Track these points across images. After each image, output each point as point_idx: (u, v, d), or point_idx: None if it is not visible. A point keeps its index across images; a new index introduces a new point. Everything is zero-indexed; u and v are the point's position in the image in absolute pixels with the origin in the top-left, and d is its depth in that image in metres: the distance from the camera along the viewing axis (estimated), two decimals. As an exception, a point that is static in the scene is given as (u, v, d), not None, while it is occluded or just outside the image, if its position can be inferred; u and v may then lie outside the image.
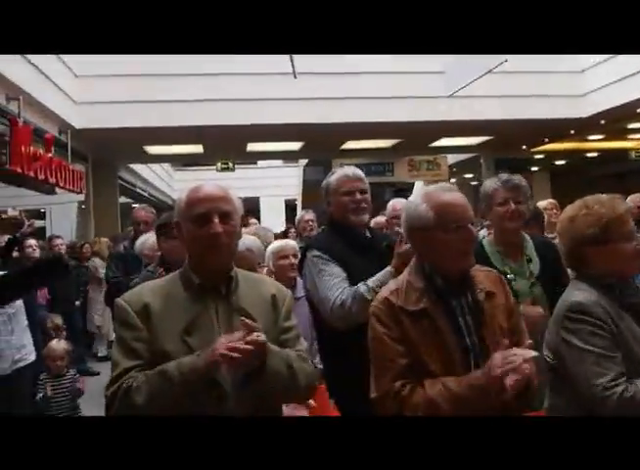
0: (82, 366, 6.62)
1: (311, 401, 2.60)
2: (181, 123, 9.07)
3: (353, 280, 2.57)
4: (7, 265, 5.22)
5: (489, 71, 5.02)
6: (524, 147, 13.51)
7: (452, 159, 14.46)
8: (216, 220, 1.70)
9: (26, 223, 7.28)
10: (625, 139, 13.14)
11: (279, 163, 20.48)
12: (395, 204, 4.05)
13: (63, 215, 10.77)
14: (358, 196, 2.75)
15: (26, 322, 4.00)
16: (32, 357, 3.95)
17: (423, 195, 1.84)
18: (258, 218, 17.23)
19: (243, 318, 1.59)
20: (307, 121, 9.35)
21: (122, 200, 13.17)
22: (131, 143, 10.41)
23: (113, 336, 3.89)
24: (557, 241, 4.21)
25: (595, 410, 1.73)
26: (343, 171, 2.86)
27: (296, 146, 12.03)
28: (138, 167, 14.65)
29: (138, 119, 8.92)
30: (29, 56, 6.81)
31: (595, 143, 13.71)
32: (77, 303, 7.48)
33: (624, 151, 13.80)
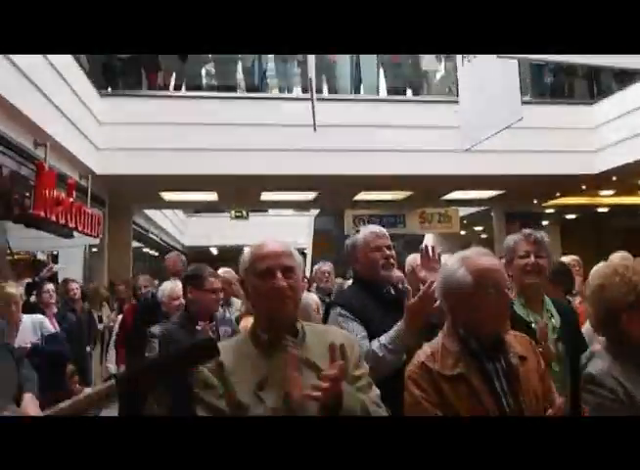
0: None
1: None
2: (198, 171, 9.20)
3: (378, 336, 2.61)
4: (25, 310, 5.30)
5: (505, 129, 5.10)
6: (535, 201, 13.59)
7: (463, 211, 14.54)
8: (280, 275, 1.77)
9: (46, 268, 7.40)
10: (637, 195, 13.21)
11: (290, 211, 20.64)
12: (416, 258, 4.11)
13: (71, 257, 10.81)
14: (387, 252, 2.82)
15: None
16: None
17: (460, 259, 1.90)
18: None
19: (332, 343, 1.63)
20: (322, 173, 9.48)
21: (134, 244, 13.26)
22: (148, 189, 10.56)
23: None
24: (577, 300, 4.23)
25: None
26: (370, 229, 2.94)
27: (309, 196, 12.15)
28: (151, 212, 14.79)
29: (156, 166, 9.07)
30: (58, 102, 7.02)
31: (607, 198, 13.77)
32: (88, 348, 7.44)
33: (636, 206, 13.86)
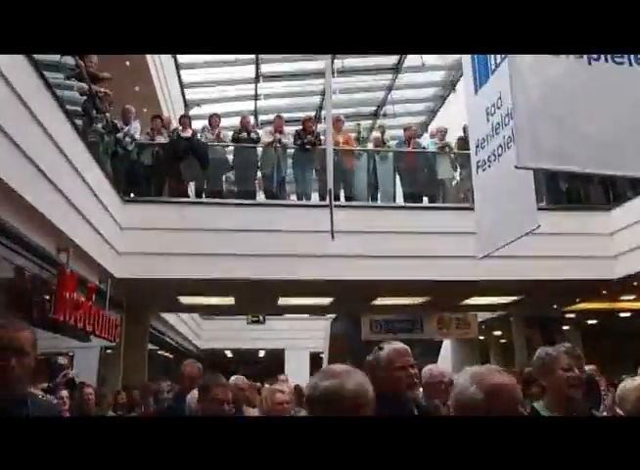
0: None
1: None
2: (216, 276, 9.28)
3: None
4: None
5: (522, 236, 5.13)
6: (554, 306, 13.48)
7: (481, 316, 14.42)
8: None
9: (62, 373, 7.35)
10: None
11: (306, 315, 20.58)
12: (432, 369, 4.07)
13: (86, 358, 10.75)
14: (411, 370, 2.80)
15: None
16: None
17: (472, 376, 1.88)
18: (282, 370, 17.08)
19: None
20: (339, 278, 9.53)
21: (149, 346, 13.19)
22: (166, 293, 10.63)
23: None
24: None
25: None
26: (394, 346, 2.93)
27: (325, 301, 12.14)
28: (167, 315, 14.80)
29: (175, 271, 9.18)
30: (82, 208, 7.20)
31: (627, 303, 13.63)
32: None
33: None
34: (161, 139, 10.38)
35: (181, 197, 10.22)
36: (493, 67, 4.98)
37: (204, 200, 10.42)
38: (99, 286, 8.56)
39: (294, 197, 11.18)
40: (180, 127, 10.63)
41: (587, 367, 5.02)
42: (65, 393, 6.39)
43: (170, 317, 15.28)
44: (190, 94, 16.77)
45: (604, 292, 11.64)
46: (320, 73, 16.12)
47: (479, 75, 5.31)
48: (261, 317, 13.57)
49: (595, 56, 3.96)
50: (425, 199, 11.20)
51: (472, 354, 15.15)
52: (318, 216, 7.91)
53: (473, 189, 5.70)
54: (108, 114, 9.22)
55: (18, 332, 2.35)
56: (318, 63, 15.89)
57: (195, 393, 4.24)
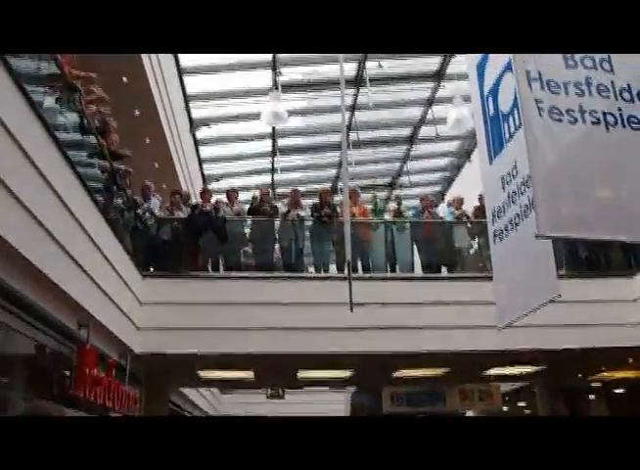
0: None
1: None
2: (235, 350, 9.23)
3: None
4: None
5: (543, 306, 5.07)
6: (579, 375, 13.18)
7: (505, 386, 14.12)
8: None
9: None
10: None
11: (326, 388, 20.24)
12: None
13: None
14: None
15: None
16: None
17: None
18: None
19: None
20: (358, 351, 9.43)
21: (168, 423, 12.99)
22: (185, 367, 10.55)
23: None
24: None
25: None
26: None
27: (345, 373, 11.98)
28: (185, 389, 14.64)
29: (194, 345, 9.14)
30: (103, 284, 7.26)
31: (654, 371, 13.29)
32: None
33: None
34: (180, 214, 10.53)
35: (199, 271, 10.27)
36: (507, 135, 5.04)
37: (222, 274, 10.47)
38: (118, 361, 8.53)
39: (312, 269, 11.20)
40: (200, 201, 10.80)
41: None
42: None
43: (189, 391, 15.11)
44: (208, 169, 17.10)
45: (630, 360, 11.39)
46: (335, 146, 16.45)
47: (493, 144, 5.38)
48: (280, 391, 13.37)
49: (612, 122, 4.02)
50: (443, 268, 11.17)
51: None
52: (336, 288, 7.89)
53: (491, 258, 5.69)
54: (128, 190, 9.41)
55: None
56: (334, 135, 16.23)
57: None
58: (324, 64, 13.83)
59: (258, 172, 17.54)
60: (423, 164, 18.90)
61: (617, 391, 15.34)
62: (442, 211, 12.08)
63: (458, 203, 11.63)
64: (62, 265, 6.12)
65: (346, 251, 6.30)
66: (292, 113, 13.16)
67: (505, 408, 15.18)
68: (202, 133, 15.30)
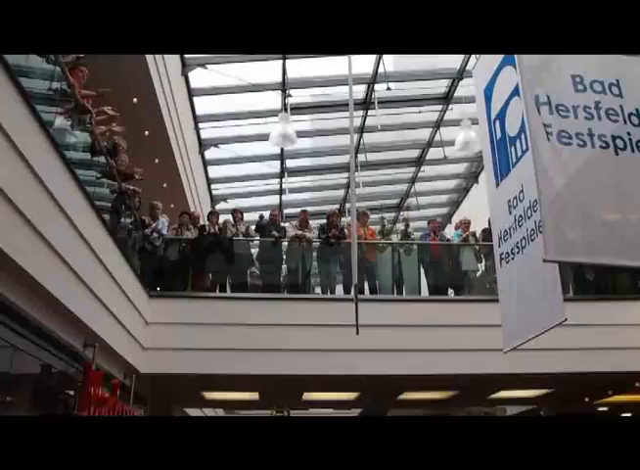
0: None
1: None
2: (240, 372, 9.20)
3: None
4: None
5: (549, 330, 5.04)
6: (586, 399, 13.06)
7: (511, 409, 14.00)
8: None
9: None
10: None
11: (330, 409, 20.13)
12: None
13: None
14: None
15: None
16: None
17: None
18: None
19: None
20: (364, 373, 9.39)
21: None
22: (190, 388, 10.52)
23: None
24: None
25: None
26: None
27: (351, 396, 11.91)
28: (190, 409, 14.58)
29: (200, 366, 9.12)
30: (109, 304, 7.26)
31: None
32: None
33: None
34: (189, 234, 10.56)
35: (206, 291, 10.27)
36: (514, 159, 5.06)
37: (228, 294, 10.47)
38: (123, 381, 8.51)
39: (318, 289, 11.19)
40: (208, 223, 10.84)
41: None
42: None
43: (194, 412, 15.05)
44: (216, 189, 17.17)
45: (637, 384, 11.28)
46: (343, 167, 16.50)
47: (499, 168, 5.39)
48: (285, 412, 13.32)
49: (622, 146, 4.02)
50: (450, 291, 11.14)
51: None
52: (343, 310, 7.87)
53: (497, 280, 5.68)
54: (136, 211, 9.46)
55: None
56: (342, 157, 16.30)
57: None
58: (333, 86, 13.92)
59: (267, 193, 17.60)
60: (431, 186, 18.92)
61: (623, 415, 15.19)
62: (450, 233, 12.08)
63: (465, 225, 11.62)
64: (68, 285, 6.13)
65: (353, 274, 6.28)
66: (300, 134, 13.22)
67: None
68: (210, 153, 15.39)
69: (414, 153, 16.98)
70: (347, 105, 7.35)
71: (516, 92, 4.88)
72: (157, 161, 11.79)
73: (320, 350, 9.23)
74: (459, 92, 13.90)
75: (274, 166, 16.24)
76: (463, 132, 12.32)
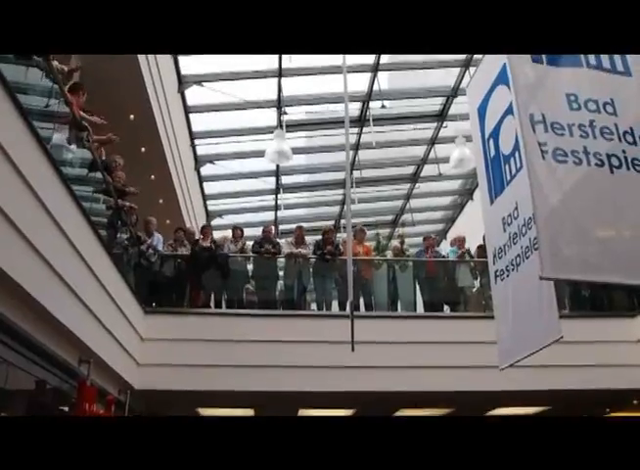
0: None
1: None
2: (235, 388, 9.17)
3: None
4: None
5: (545, 347, 5.04)
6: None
7: (508, 428, 13.92)
8: None
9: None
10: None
11: (327, 426, 20.01)
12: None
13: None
14: None
15: None
16: None
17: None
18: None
19: None
20: (360, 390, 9.36)
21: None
22: (185, 405, 10.45)
23: None
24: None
25: None
26: None
27: (347, 412, 11.85)
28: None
29: (194, 383, 9.08)
30: (104, 320, 7.23)
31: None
32: None
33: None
34: (184, 250, 10.56)
35: (202, 307, 10.26)
36: (508, 177, 5.08)
37: (224, 310, 10.45)
38: (118, 397, 8.46)
39: (314, 305, 11.18)
40: (201, 237, 10.83)
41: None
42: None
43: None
44: (212, 205, 17.19)
45: (634, 401, 11.25)
46: (339, 184, 16.55)
47: (494, 186, 5.42)
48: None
49: (617, 164, 4.05)
50: (446, 307, 11.14)
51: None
52: (338, 326, 7.88)
53: (492, 298, 5.69)
54: (133, 227, 9.45)
55: None
56: (337, 173, 16.35)
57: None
58: (328, 103, 14.01)
59: (262, 209, 17.63)
60: (426, 203, 18.97)
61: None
62: (445, 249, 12.10)
63: (460, 242, 11.65)
64: (63, 300, 6.11)
65: (349, 290, 6.29)
66: (296, 151, 13.27)
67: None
68: (206, 170, 15.42)
69: (409, 169, 17.05)
70: (342, 122, 7.42)
71: (509, 111, 4.93)
72: (153, 177, 11.81)
73: (316, 366, 9.21)
74: (453, 110, 13.99)
75: (270, 183, 16.27)
76: (458, 149, 12.38)
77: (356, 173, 15.27)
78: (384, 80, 13.17)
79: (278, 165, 14.91)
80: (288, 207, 17.45)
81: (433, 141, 15.43)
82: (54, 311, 5.75)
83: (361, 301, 10.66)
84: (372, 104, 13.44)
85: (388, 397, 9.72)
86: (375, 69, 12.51)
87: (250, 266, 11.23)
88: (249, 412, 11.55)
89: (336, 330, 8.28)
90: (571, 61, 4.45)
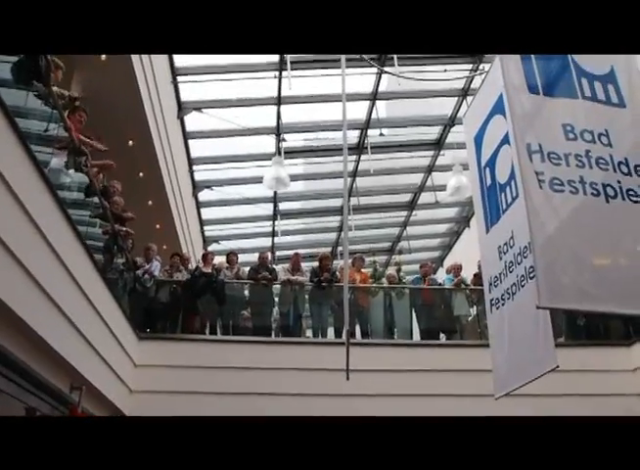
0: None
1: None
2: (228, 414, 9.06)
3: None
4: None
5: (541, 376, 5.02)
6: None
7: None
8: None
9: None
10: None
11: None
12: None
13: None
14: None
15: None
16: None
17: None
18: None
19: None
20: (356, 415, 9.26)
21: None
22: (178, 432, 10.34)
23: None
24: None
25: None
26: None
27: (342, 440, 11.73)
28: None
29: (188, 409, 8.96)
30: (97, 346, 7.17)
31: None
32: None
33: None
34: (179, 276, 10.52)
35: (197, 333, 10.19)
36: (504, 206, 5.09)
37: (219, 337, 10.38)
38: (110, 425, 8.37)
39: (309, 332, 11.12)
40: (202, 263, 10.79)
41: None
42: None
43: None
44: (209, 231, 17.19)
45: (631, 432, 11.15)
46: (336, 211, 16.59)
47: (490, 214, 5.43)
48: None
49: (612, 194, 4.06)
50: (442, 335, 11.09)
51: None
52: (334, 353, 7.81)
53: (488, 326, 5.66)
54: (129, 253, 9.44)
55: None
56: (334, 200, 16.39)
57: None
58: (326, 131, 14.09)
59: (259, 235, 17.63)
60: (422, 230, 19.01)
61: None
62: (441, 277, 12.09)
63: (457, 270, 11.65)
64: (55, 325, 6.06)
65: (345, 318, 6.25)
66: (293, 177, 13.32)
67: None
68: (204, 195, 15.45)
69: (406, 197, 17.11)
70: (340, 149, 7.43)
71: (505, 140, 4.95)
72: (150, 202, 11.82)
73: (310, 394, 9.13)
74: (451, 138, 14.08)
75: (267, 209, 16.30)
76: (454, 177, 12.45)
77: (353, 200, 15.31)
78: (382, 109, 13.28)
79: (276, 192, 14.95)
80: (285, 233, 17.46)
81: (430, 169, 15.51)
82: (45, 336, 5.69)
83: (357, 328, 10.60)
84: (370, 132, 13.53)
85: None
86: (373, 97, 12.61)
87: (246, 292, 11.18)
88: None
89: (331, 357, 8.21)
90: (566, 92, 4.50)
